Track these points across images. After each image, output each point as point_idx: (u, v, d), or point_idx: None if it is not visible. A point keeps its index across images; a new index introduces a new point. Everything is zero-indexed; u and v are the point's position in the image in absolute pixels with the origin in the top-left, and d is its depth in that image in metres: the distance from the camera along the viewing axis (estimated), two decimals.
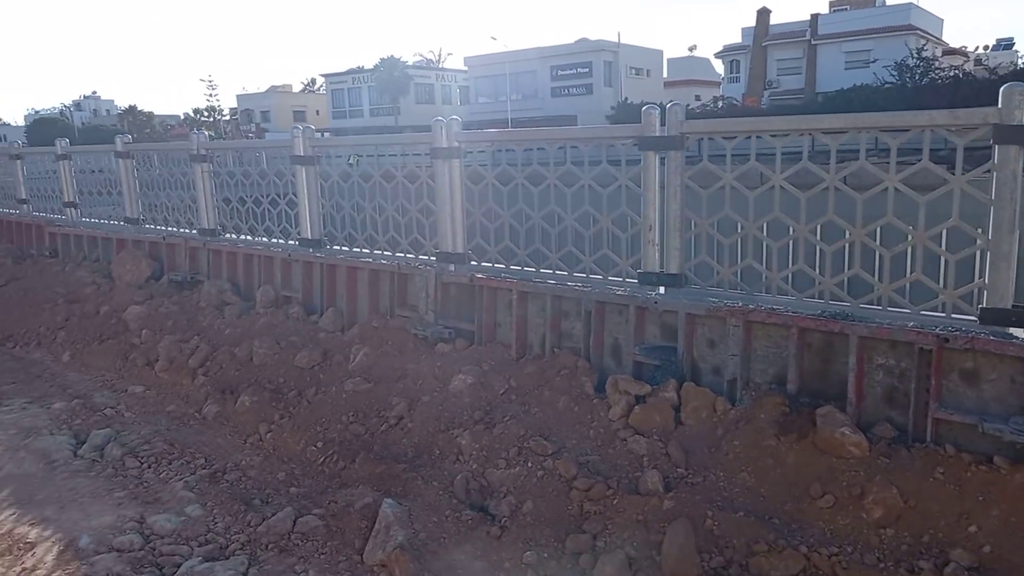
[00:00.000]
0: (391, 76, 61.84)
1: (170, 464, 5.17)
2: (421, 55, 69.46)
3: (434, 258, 6.47)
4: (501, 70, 57.88)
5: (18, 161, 12.33)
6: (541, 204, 5.86)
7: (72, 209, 11.14)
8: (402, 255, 6.79)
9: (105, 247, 10.13)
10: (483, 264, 6.24)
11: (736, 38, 53.23)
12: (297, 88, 77.38)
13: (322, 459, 5.15)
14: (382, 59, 61.81)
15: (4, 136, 76.97)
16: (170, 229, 9.26)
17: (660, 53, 58.14)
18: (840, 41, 45.04)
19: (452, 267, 6.33)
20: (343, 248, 7.40)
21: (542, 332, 5.63)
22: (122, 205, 10.02)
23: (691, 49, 62.83)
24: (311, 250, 7.45)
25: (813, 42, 45.76)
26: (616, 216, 5.44)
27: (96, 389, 6.97)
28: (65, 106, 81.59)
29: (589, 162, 5.59)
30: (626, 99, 50.38)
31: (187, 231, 8.93)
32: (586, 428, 4.73)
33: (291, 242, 7.79)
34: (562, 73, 55.05)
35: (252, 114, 67.24)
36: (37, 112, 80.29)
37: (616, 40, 52.78)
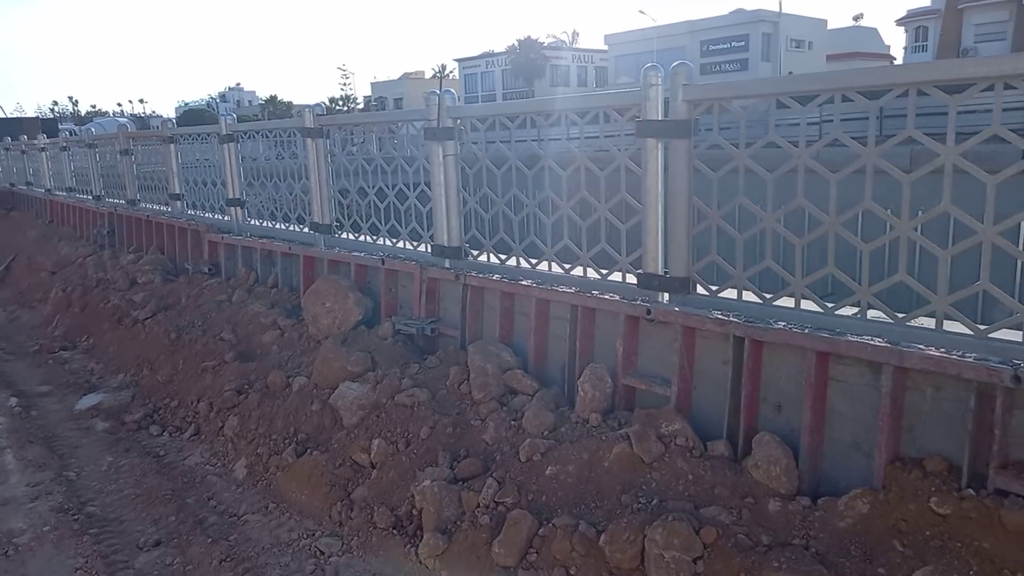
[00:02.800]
0: (527, 58, 58.29)
1: None
2: (554, 36, 65.49)
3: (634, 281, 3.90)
4: (645, 47, 53.23)
5: (171, 145, 9.31)
6: None
7: (237, 209, 7.96)
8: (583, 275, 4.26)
9: (287, 266, 6.85)
10: None
11: (922, 1, 46.20)
12: (428, 75, 75.17)
13: None
14: (518, 40, 58.39)
15: (157, 127, 78.97)
16: (387, 244, 5.80)
17: (823, 23, 51.77)
18: None
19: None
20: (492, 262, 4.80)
21: None
22: (308, 204, 6.71)
23: (856, 18, 55.72)
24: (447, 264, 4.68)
25: None
26: None
27: (303, 566, 3.55)
28: (212, 97, 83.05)
29: None
30: (790, 73, 44.76)
31: (421, 251, 5.43)
32: None
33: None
34: (714, 48, 49.92)
35: (385, 102, 65.40)
36: (186, 104, 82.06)
37: (776, 10, 47.04)
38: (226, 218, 8.27)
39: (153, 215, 9.46)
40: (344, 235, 6.36)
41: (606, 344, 4.15)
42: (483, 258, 4.93)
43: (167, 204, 9.71)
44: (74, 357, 7.09)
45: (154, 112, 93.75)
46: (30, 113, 78.20)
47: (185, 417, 5.26)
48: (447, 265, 5.06)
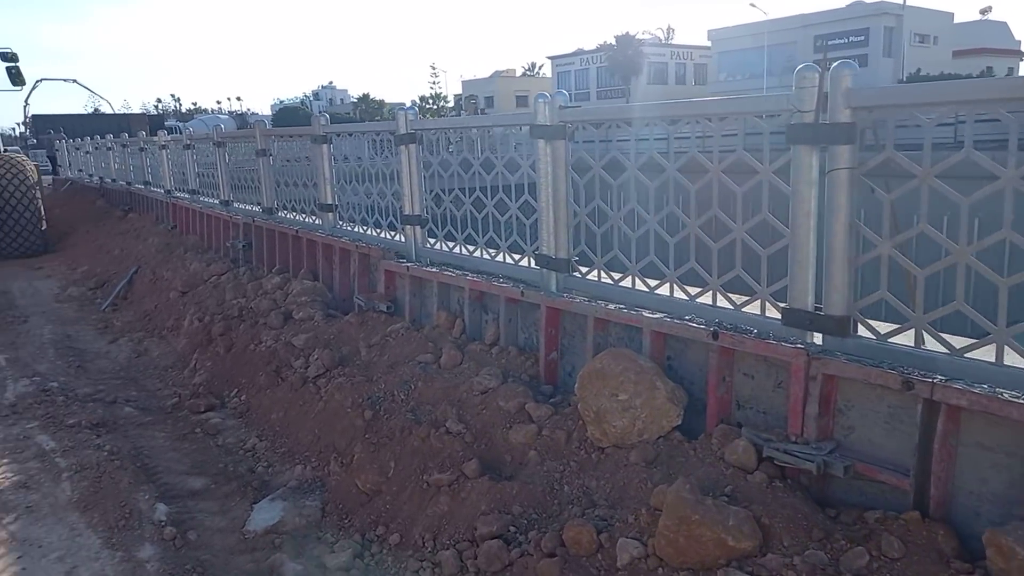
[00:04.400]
0: (624, 55, 55.77)
1: None
2: (648, 32, 62.64)
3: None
4: (752, 43, 50.08)
5: (324, 146, 7.56)
6: None
7: (416, 229, 6.11)
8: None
9: (513, 316, 4.89)
10: None
11: None
12: (519, 73, 73.38)
13: None
14: (615, 37, 55.92)
15: (251, 124, 79.71)
16: (680, 296, 3.79)
17: (950, 16, 47.42)
18: None
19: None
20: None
21: None
22: (535, 229, 4.77)
23: (984, 12, 50.79)
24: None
25: None
26: None
27: None
28: (306, 96, 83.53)
29: None
30: (918, 71, 40.97)
31: (768, 317, 3.40)
32: None
33: None
34: (830, 44, 46.33)
35: (476, 100, 63.87)
36: (282, 102, 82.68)
37: (899, 1, 43.22)
38: (399, 238, 6.45)
39: (303, 230, 7.72)
40: (590, 274, 4.42)
41: None
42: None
43: (310, 214, 8.01)
44: (226, 424, 5.36)
45: (250, 109, 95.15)
46: (136, 110, 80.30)
47: (420, 572, 3.35)
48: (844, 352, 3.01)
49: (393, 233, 6.61)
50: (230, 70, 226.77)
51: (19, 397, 5.95)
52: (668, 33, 65.42)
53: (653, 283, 4.04)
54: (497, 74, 68.59)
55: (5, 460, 4.67)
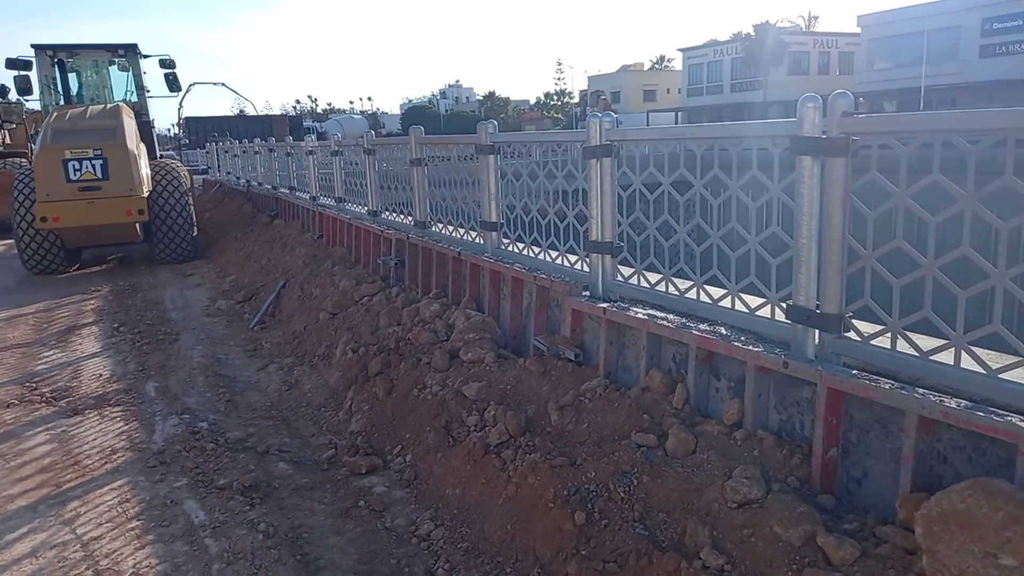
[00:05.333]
0: (763, 45, 52.61)
1: None
2: (788, 20, 58.76)
3: None
4: (908, 28, 45.88)
5: (491, 157, 6.60)
6: None
7: (606, 259, 4.99)
8: None
9: (769, 391, 3.71)
10: None
11: None
12: (647, 67, 71.01)
13: None
14: (754, 25, 52.86)
15: (383, 124, 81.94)
16: None
17: None
18: None
19: None
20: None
21: None
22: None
23: None
24: None
25: None
26: None
27: None
28: (433, 95, 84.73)
29: None
30: None
31: None
32: None
33: None
34: (999, 26, 41.66)
35: (604, 95, 62.28)
36: (410, 101, 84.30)
37: None
38: (581, 268, 5.39)
39: (465, 251, 6.81)
40: (879, 338, 3.15)
41: None
42: None
43: (468, 230, 7.09)
44: (392, 496, 4.48)
45: (379, 109, 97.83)
46: (276, 111, 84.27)
47: None
48: None
49: (573, 259, 5.57)
50: (362, 71, 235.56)
51: (167, 441, 5.35)
52: (810, 21, 61.28)
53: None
54: (624, 68, 66.63)
55: (151, 537, 3.98)
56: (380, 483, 4.65)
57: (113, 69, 15.79)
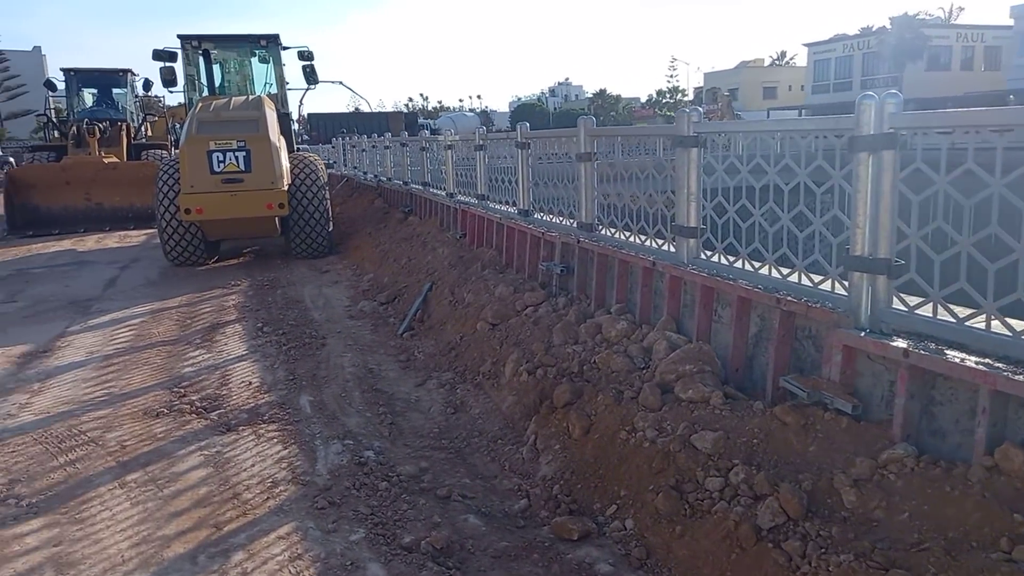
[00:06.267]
0: (900, 38, 48.74)
1: None
2: (928, 12, 54.23)
3: None
4: None
5: (694, 150, 5.51)
6: None
7: (879, 280, 3.81)
8: None
9: None
10: None
11: None
12: (767, 63, 67.54)
13: None
14: (891, 18, 49.09)
15: (493, 121, 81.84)
16: None
17: None
18: None
19: None
20: None
21: None
22: None
23: None
24: None
25: None
26: None
27: None
28: (542, 92, 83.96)
29: None
30: None
31: None
32: None
33: None
34: None
35: (726, 92, 59.57)
36: (519, 99, 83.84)
37: None
38: (826, 286, 4.24)
39: (660, 260, 5.75)
40: None
41: None
42: None
43: (654, 236, 6.03)
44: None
45: (488, 106, 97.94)
46: (388, 108, 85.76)
47: None
48: None
49: (817, 278, 4.40)
50: (470, 69, 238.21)
51: (333, 474, 4.57)
52: (952, 12, 56.43)
53: None
54: (743, 64, 63.54)
55: None
56: (601, 559, 3.65)
57: (254, 61, 15.66)
